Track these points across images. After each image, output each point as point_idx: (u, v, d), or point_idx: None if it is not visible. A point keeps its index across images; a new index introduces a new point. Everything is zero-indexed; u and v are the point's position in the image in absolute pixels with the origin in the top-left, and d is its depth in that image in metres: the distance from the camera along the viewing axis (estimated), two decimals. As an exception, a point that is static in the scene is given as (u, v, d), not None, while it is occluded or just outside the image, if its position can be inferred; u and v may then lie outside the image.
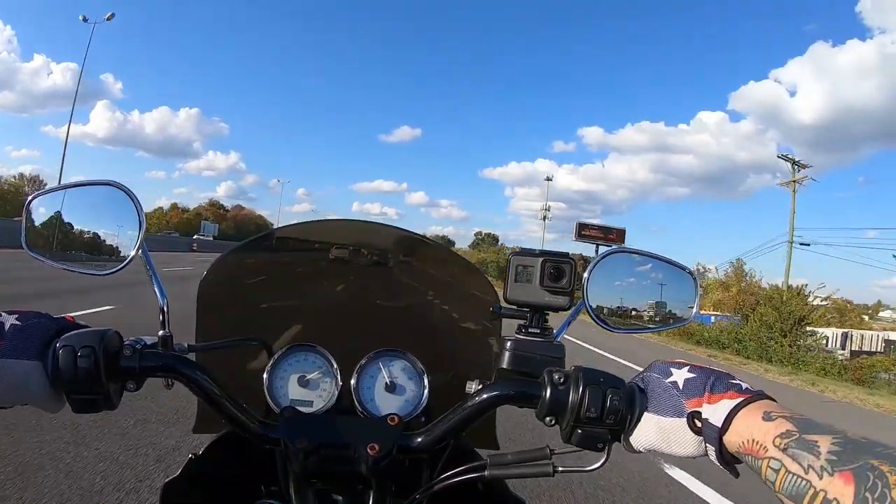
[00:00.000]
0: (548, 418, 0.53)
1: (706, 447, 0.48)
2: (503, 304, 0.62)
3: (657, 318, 0.65)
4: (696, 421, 0.47)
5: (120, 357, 0.53)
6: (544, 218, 46.48)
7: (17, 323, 0.51)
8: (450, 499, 0.67)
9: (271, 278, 0.72)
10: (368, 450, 0.56)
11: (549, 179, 50.99)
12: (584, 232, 31.51)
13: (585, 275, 0.61)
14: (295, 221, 0.71)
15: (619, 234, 31.93)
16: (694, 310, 0.65)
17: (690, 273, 0.65)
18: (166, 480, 0.67)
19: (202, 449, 0.68)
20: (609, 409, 0.50)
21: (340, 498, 0.64)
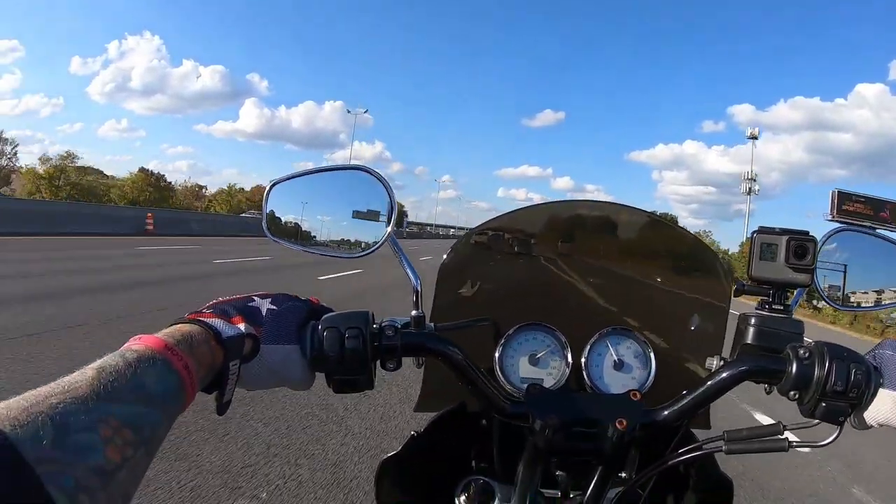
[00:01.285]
0: (791, 392, 0.55)
1: None
2: (746, 280, 0.63)
3: (881, 297, 0.66)
4: None
5: (382, 337, 0.55)
6: (749, 191, 37.30)
7: (273, 307, 0.52)
8: (659, 476, 0.68)
9: (502, 261, 0.74)
10: (617, 425, 0.57)
11: (754, 138, 40.06)
12: (845, 206, 22.26)
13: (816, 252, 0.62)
14: (533, 203, 0.72)
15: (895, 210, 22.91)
16: None
17: None
18: (384, 457, 0.69)
19: (423, 427, 0.70)
20: (853, 383, 0.51)
21: (562, 474, 0.66)
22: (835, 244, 0.65)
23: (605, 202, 0.72)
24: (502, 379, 0.66)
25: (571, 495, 0.65)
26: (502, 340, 0.66)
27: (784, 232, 0.61)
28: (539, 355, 0.66)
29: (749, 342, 0.61)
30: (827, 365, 0.52)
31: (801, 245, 0.60)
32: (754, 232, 0.62)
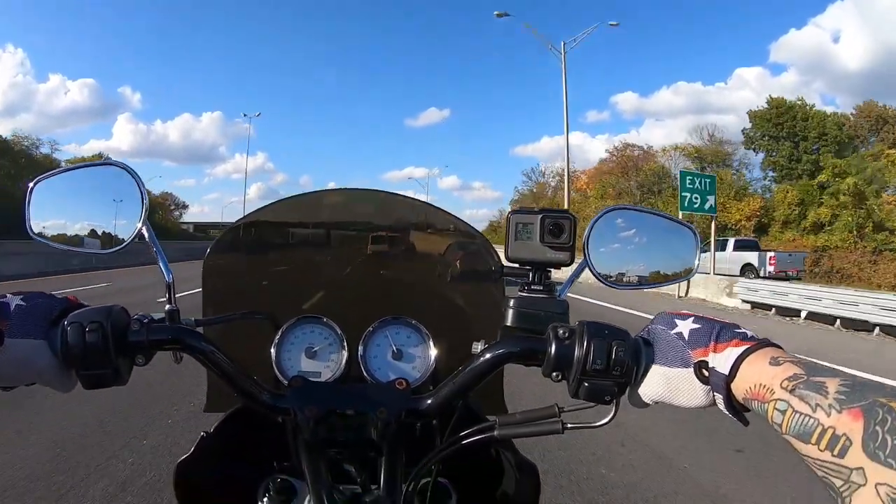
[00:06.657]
0: (554, 374, 0.54)
1: (714, 396, 0.48)
2: (505, 263, 0.63)
3: (659, 274, 0.66)
4: (703, 370, 0.48)
5: (128, 332, 0.54)
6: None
7: (22, 304, 0.51)
8: (465, 466, 0.67)
9: (275, 253, 0.73)
10: (378, 414, 0.56)
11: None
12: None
13: (586, 232, 0.62)
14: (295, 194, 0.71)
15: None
16: (695, 264, 0.66)
17: (691, 228, 0.66)
18: (179, 460, 0.67)
19: (213, 427, 0.68)
20: (615, 361, 0.50)
21: (352, 468, 0.64)
22: (612, 222, 0.64)
23: (377, 191, 0.71)
24: (279, 374, 0.64)
25: (373, 488, 0.64)
26: (278, 335, 0.65)
27: (541, 211, 0.61)
28: (316, 349, 0.65)
29: (508, 324, 0.60)
30: (586, 344, 0.51)
31: (556, 223, 0.60)
32: (510, 212, 0.61)
